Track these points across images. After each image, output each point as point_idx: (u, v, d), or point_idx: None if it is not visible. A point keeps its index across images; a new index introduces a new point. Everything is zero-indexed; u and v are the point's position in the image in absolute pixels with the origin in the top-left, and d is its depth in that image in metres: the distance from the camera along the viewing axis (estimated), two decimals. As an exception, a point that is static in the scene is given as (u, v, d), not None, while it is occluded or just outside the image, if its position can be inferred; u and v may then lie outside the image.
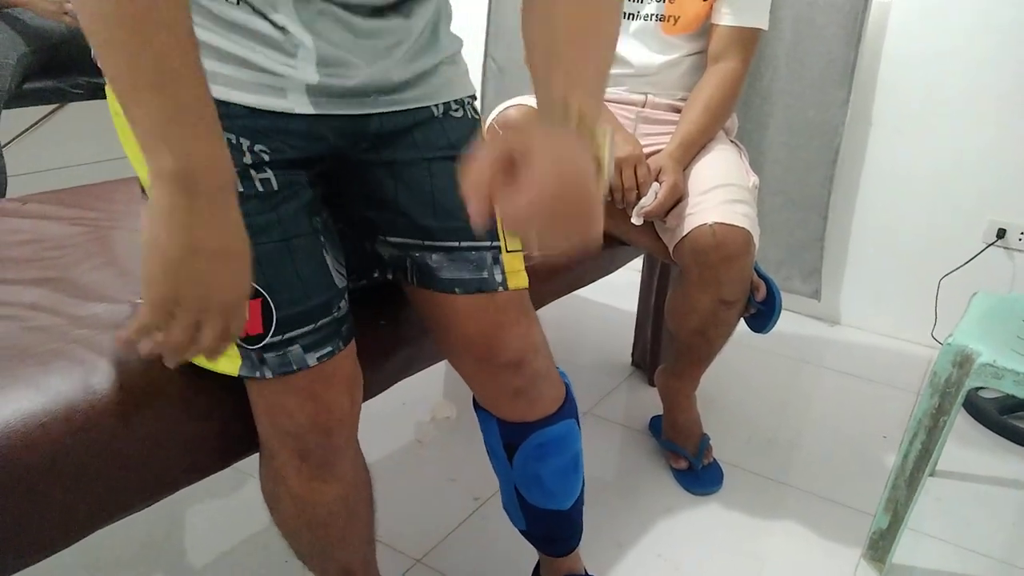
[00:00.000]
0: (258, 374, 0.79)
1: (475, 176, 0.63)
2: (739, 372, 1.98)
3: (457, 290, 0.91)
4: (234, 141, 0.78)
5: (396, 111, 0.88)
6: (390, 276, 0.98)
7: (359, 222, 0.93)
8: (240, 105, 0.78)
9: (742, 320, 1.51)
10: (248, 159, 0.79)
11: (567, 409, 1.02)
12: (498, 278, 0.92)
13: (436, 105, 0.92)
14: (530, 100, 1.53)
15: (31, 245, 1.11)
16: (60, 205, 1.29)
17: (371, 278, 0.99)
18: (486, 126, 1.54)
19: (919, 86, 2.03)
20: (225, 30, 0.76)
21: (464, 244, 0.91)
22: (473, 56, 2.57)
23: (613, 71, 1.64)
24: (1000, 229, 2.00)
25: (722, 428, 1.73)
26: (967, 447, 1.73)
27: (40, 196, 1.33)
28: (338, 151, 0.87)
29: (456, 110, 0.95)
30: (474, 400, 1.05)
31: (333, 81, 0.82)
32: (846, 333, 2.27)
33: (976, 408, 1.84)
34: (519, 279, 0.95)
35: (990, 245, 2.02)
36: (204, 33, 0.75)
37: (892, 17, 2.03)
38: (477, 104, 1.01)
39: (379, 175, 0.90)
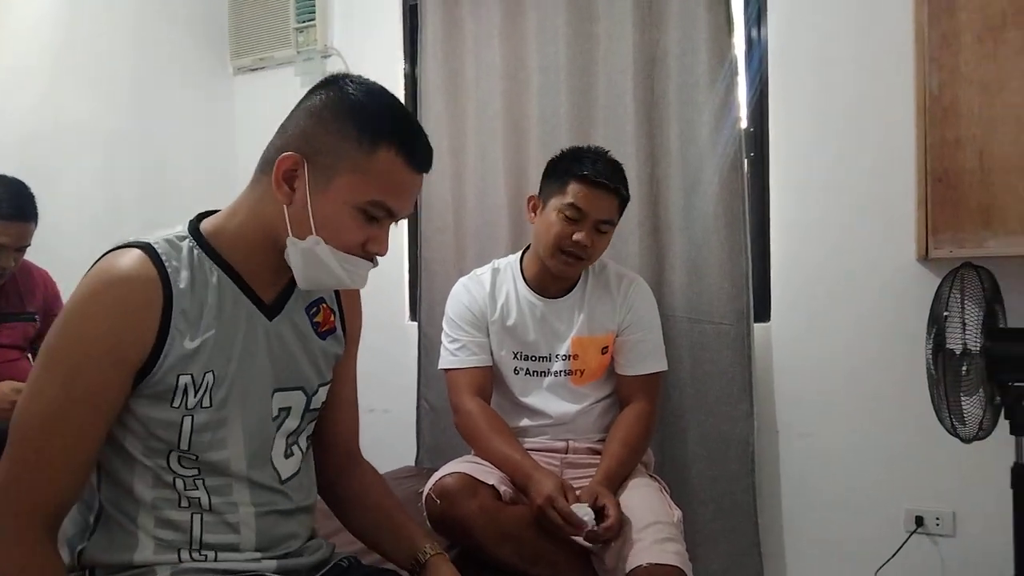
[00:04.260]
0: None
1: None
2: None
3: None
4: None
5: None
6: None
7: None
8: None
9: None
10: None
11: None
12: None
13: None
14: (465, 466, 1.64)
15: None
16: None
17: None
18: (424, 495, 1.63)
19: (812, 391, 2.26)
20: None
21: None
22: (408, 399, 2.74)
23: (534, 422, 1.81)
24: (917, 517, 2.12)
25: None
26: None
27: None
28: None
29: None
30: None
31: None
32: (803, 637, 2.26)
33: None
34: None
35: (912, 533, 2.12)
36: None
37: (774, 334, 2.31)
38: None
39: None
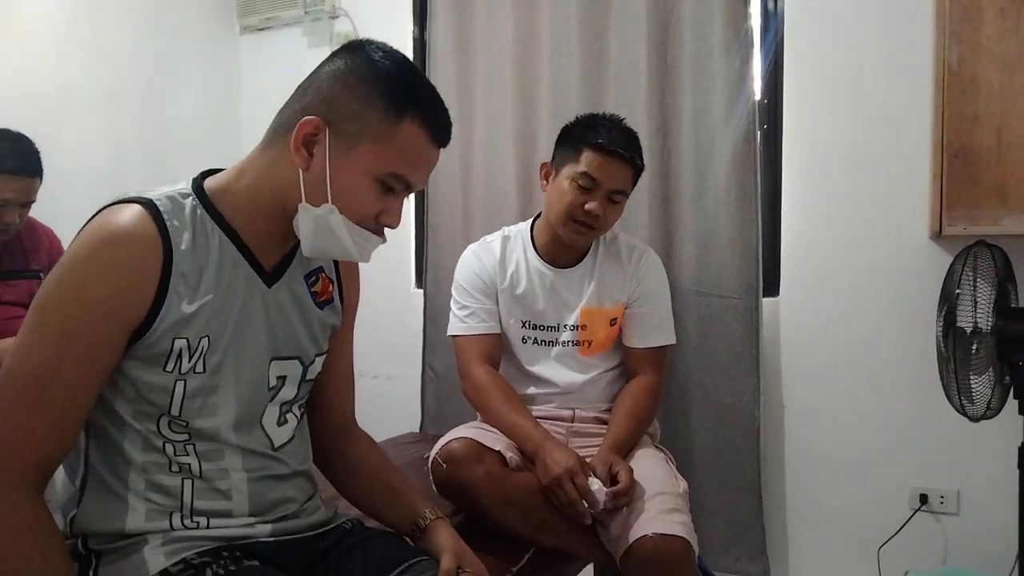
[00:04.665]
0: None
1: None
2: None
3: None
4: None
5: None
6: None
7: None
8: None
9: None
10: None
11: None
12: None
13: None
14: (472, 432, 1.64)
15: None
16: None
17: None
18: (429, 460, 1.63)
19: (819, 367, 2.25)
20: None
21: None
22: (413, 366, 2.74)
23: (542, 390, 1.80)
24: (922, 495, 2.13)
25: None
26: None
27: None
28: None
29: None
30: None
31: None
32: (802, 610, 2.28)
33: None
34: None
35: (916, 511, 2.13)
36: None
37: (782, 309, 2.29)
38: None
39: None
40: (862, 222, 2.19)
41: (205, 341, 0.99)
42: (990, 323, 1.73)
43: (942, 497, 2.11)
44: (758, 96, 2.28)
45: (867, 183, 2.18)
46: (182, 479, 1.01)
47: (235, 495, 1.04)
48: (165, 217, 0.97)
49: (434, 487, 1.62)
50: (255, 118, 3.05)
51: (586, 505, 1.50)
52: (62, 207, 2.30)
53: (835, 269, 2.23)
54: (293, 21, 3.01)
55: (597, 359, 1.79)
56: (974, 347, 1.75)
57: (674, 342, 1.86)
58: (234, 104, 3.15)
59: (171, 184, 1.05)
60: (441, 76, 2.65)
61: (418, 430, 2.67)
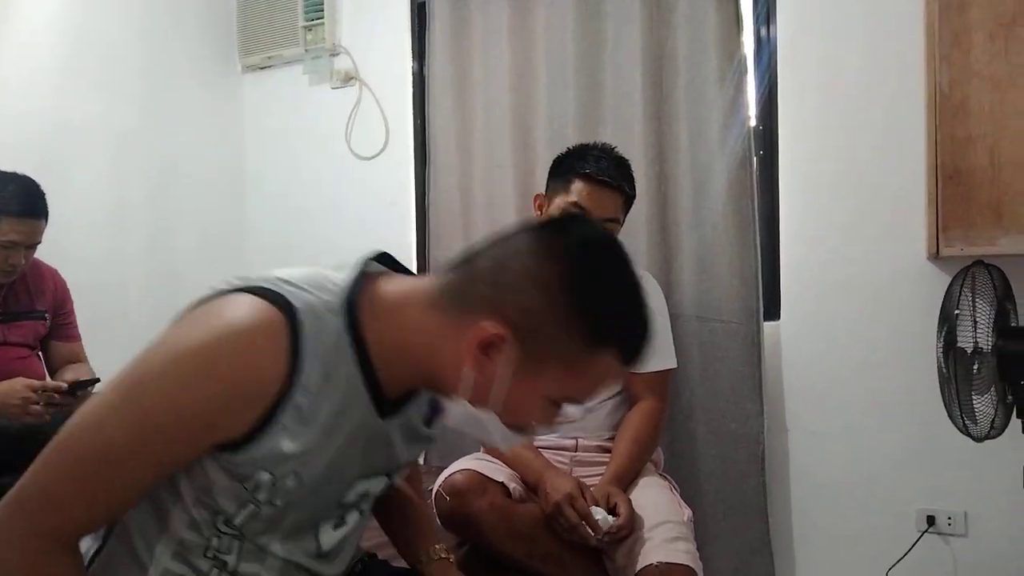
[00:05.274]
0: None
1: None
2: None
3: None
4: None
5: None
6: None
7: None
8: None
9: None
10: None
11: None
12: None
13: None
14: (475, 463, 1.64)
15: None
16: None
17: None
18: (433, 492, 1.64)
19: (823, 390, 2.25)
20: None
21: None
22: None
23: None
24: (929, 516, 2.11)
25: None
26: None
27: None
28: None
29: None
30: None
31: None
32: (813, 637, 2.25)
33: None
34: None
35: (924, 533, 2.11)
36: None
37: (784, 333, 2.30)
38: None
39: None
40: (860, 244, 2.20)
41: (292, 481, 0.87)
42: (990, 343, 1.73)
43: (950, 518, 2.10)
44: (753, 122, 2.31)
45: (864, 206, 2.19)
46: (212, 566, 0.93)
47: None
48: (303, 339, 0.83)
49: (438, 519, 1.62)
50: (258, 154, 3.15)
51: (590, 531, 1.49)
52: (68, 248, 2.34)
53: (835, 292, 2.23)
54: (294, 59, 3.06)
55: (599, 387, 1.79)
56: (975, 367, 1.75)
57: (675, 366, 1.87)
58: (237, 142, 3.18)
59: (325, 272, 0.90)
60: (440, 110, 2.69)
61: (422, 461, 2.66)
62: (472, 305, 0.86)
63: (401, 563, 1.20)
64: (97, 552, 0.94)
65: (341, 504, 0.98)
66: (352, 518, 1.01)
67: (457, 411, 0.88)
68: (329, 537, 0.99)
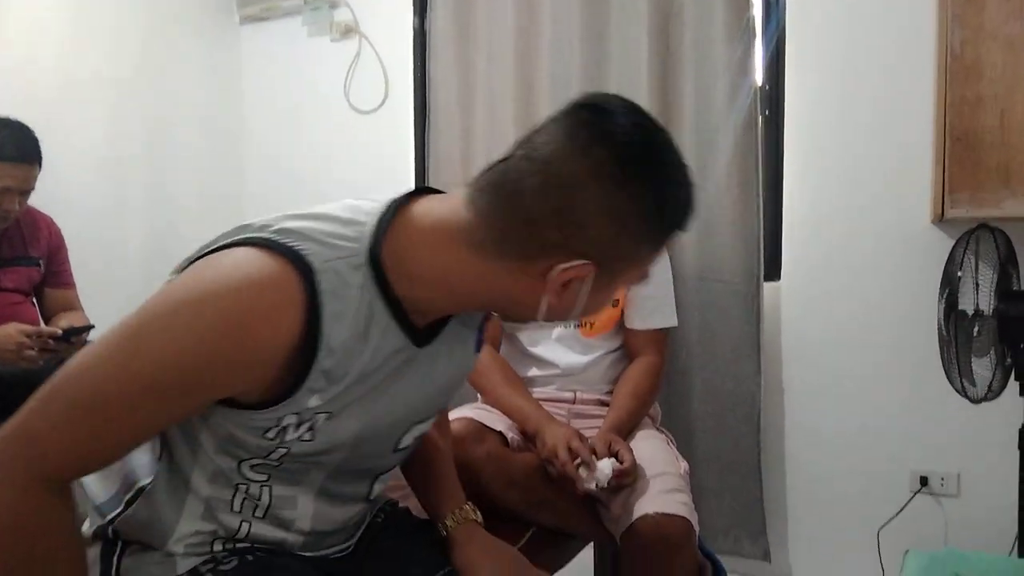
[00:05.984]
0: None
1: None
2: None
3: None
4: None
5: None
6: None
7: None
8: None
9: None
10: None
11: None
12: None
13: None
14: (473, 412, 1.64)
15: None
16: None
17: None
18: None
19: (820, 351, 2.25)
20: None
21: None
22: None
23: (543, 372, 1.81)
24: (922, 477, 2.13)
25: None
26: None
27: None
28: None
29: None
30: None
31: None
32: (802, 593, 2.28)
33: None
34: None
35: (916, 493, 2.13)
36: None
37: (783, 296, 2.29)
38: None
39: None
40: (864, 207, 2.19)
41: (321, 417, 0.84)
42: (992, 306, 1.73)
43: (942, 479, 2.12)
44: (760, 82, 2.28)
45: (869, 168, 2.18)
46: (241, 521, 0.92)
47: (292, 535, 0.96)
48: (323, 300, 0.78)
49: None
50: (255, 107, 3.11)
51: (584, 476, 1.49)
52: (63, 197, 2.31)
53: (837, 254, 2.23)
54: (293, 10, 3.00)
55: (599, 340, 1.79)
56: (975, 329, 1.76)
57: (675, 324, 1.87)
58: (235, 93, 3.14)
59: (331, 218, 0.84)
60: (441, 66, 2.65)
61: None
62: (533, 244, 0.82)
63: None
64: (124, 508, 0.93)
65: (398, 449, 0.97)
66: (397, 457, 1.00)
67: (529, 330, 0.91)
68: (381, 485, 1.02)
